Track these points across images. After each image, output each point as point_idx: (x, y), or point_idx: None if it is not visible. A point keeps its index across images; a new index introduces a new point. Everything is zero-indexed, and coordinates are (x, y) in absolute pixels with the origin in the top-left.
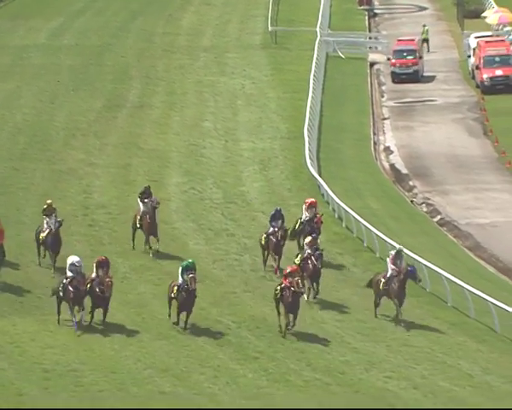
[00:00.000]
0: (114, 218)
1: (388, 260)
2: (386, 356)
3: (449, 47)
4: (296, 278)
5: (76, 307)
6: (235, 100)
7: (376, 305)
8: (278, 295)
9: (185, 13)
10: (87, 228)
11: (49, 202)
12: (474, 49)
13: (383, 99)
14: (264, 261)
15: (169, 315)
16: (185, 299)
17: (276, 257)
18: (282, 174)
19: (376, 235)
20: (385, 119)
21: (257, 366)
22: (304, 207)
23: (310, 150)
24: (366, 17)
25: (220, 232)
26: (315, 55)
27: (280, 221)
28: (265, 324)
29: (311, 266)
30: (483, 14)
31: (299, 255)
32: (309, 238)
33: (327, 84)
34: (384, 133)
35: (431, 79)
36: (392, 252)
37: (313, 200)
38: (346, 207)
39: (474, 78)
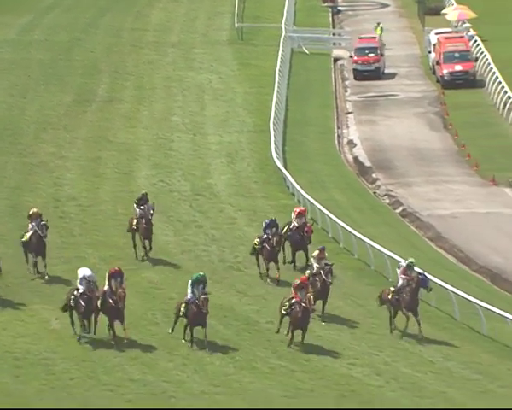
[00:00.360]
0: (84, 210)
1: (398, 271)
2: (350, 344)
3: (410, 43)
4: (308, 294)
5: (85, 322)
6: (202, 94)
7: (392, 317)
8: (287, 310)
9: (153, 9)
10: (58, 220)
11: (35, 210)
12: (434, 45)
13: (347, 94)
14: (258, 265)
15: (172, 330)
16: (195, 313)
17: (272, 264)
18: (248, 167)
19: (341, 226)
20: (348, 113)
21: (224, 353)
22: (293, 215)
23: (275, 144)
24: (330, 14)
25: (188, 224)
26: (280, 51)
27: (274, 229)
28: (233, 313)
29: (319, 282)
30: (443, 11)
31: (309, 271)
32: (316, 252)
33: (292, 80)
34: (348, 127)
35: (392, 75)
36: (403, 264)
37: (302, 208)
38: (311, 199)
39: (434, 73)
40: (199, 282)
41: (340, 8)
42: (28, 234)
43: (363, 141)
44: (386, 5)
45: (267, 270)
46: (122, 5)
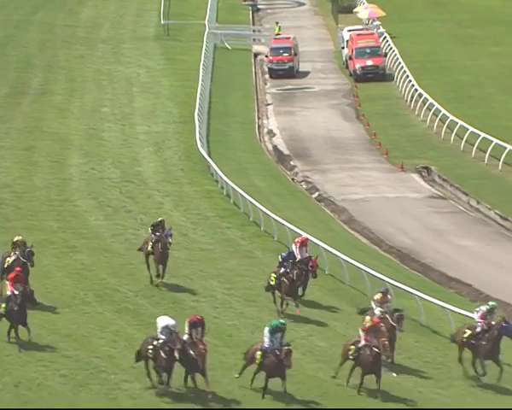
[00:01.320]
0: (20, 196)
1: (476, 316)
2: (269, 319)
3: (325, 39)
4: (383, 339)
5: (164, 374)
6: (131, 87)
7: (460, 360)
8: (354, 355)
9: (84, 7)
10: None
11: (20, 238)
12: (347, 41)
13: (266, 86)
14: (275, 302)
15: (240, 374)
16: (275, 364)
17: (288, 298)
18: (175, 155)
19: (261, 210)
20: (268, 104)
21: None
22: (294, 247)
23: (200, 133)
24: (250, 12)
25: (118, 209)
26: (204, 47)
27: (291, 262)
28: (160, 292)
29: (385, 328)
30: (355, 10)
31: (369, 317)
32: (379, 295)
33: (215, 73)
34: (267, 118)
35: (306, 73)
36: (483, 308)
37: (304, 238)
38: (233, 185)
39: (347, 67)
40: (278, 330)
41: (259, 6)
42: (10, 259)
43: (282, 131)
44: (303, 4)
45: (286, 305)
46: (54, 3)
